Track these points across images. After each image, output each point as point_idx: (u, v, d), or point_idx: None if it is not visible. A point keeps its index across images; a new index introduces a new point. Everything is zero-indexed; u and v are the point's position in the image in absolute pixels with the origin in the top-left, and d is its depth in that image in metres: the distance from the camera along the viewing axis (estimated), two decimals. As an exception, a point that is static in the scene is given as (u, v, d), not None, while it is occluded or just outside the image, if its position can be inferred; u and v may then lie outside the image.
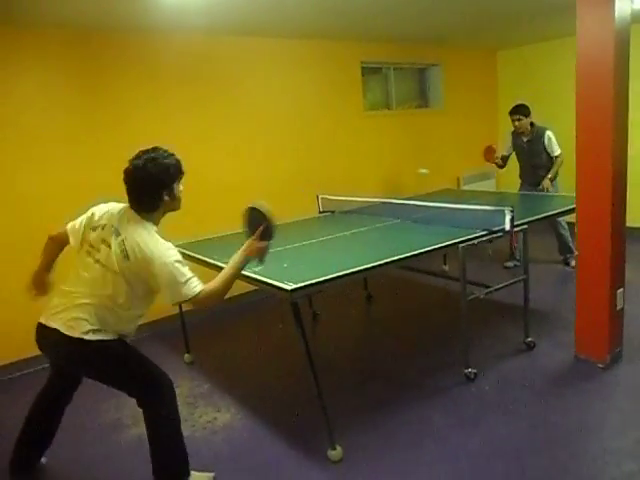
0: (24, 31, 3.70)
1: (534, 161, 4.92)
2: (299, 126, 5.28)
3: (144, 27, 4.06)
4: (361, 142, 5.80)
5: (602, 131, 2.92)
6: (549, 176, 4.81)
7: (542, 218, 3.62)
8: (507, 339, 3.65)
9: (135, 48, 4.21)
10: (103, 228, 2.24)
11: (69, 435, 2.98)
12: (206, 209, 4.67)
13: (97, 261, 2.19)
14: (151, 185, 2.18)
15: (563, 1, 4.22)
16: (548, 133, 4.82)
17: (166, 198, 2.23)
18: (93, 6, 3.39)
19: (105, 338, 2.17)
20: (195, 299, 2.14)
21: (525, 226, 3.28)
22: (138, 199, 2.22)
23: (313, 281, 2.43)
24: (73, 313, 2.15)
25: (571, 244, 4.98)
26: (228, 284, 2.21)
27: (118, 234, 2.17)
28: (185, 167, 4.74)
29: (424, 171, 4.05)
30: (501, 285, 3.32)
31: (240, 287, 4.35)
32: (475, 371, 3.16)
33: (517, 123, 4.88)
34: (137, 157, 2.21)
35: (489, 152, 5.16)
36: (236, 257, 2.26)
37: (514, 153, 5.15)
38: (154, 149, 2.23)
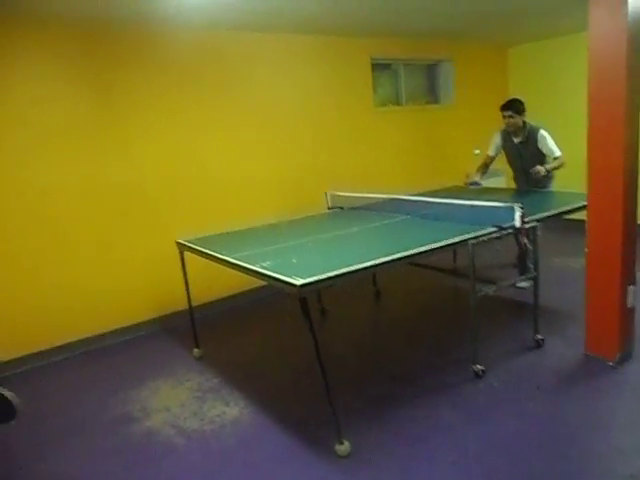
0: (30, 24, 3.72)
1: (528, 165, 4.29)
2: (309, 122, 5.28)
3: (152, 21, 4.07)
4: (371, 138, 5.80)
5: (614, 127, 2.89)
6: (546, 166, 4.16)
7: (553, 215, 3.59)
8: (516, 336, 3.64)
9: (144, 43, 4.23)
10: None
11: (79, 428, 3.02)
12: (214, 205, 4.70)
13: None
14: None
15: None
16: (542, 132, 4.27)
17: None
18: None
19: None
20: None
21: (535, 223, 3.26)
22: None
23: (322, 277, 2.42)
24: None
25: (531, 264, 3.63)
26: None
27: None
28: (193, 163, 4.78)
29: (477, 152, 3.94)
30: (510, 282, 3.30)
31: (249, 283, 4.43)
32: (483, 368, 3.15)
33: (507, 120, 4.34)
34: None
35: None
36: None
37: (505, 156, 4.66)
38: None
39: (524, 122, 4.37)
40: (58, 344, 4.02)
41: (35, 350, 3.93)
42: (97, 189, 4.12)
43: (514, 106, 4.32)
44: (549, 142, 4.26)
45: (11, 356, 3.84)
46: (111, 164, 4.17)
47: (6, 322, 3.79)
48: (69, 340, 4.08)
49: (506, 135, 4.54)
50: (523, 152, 4.44)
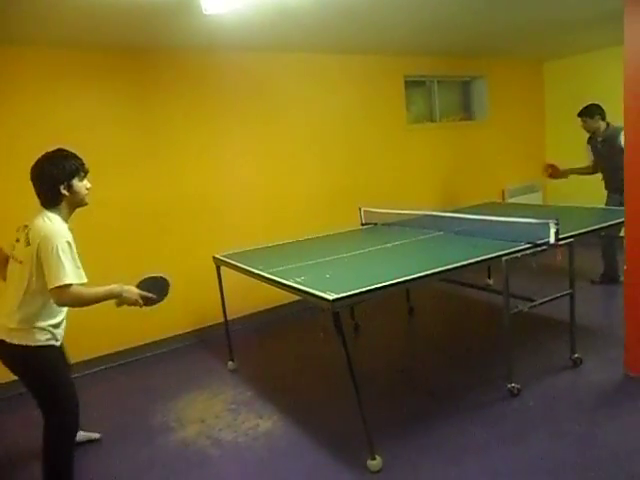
0: (77, 54, 3.93)
1: (613, 162, 4.39)
2: (342, 139, 5.35)
3: (191, 48, 4.24)
4: (405, 155, 5.82)
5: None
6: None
7: (589, 231, 3.54)
8: (552, 355, 3.57)
9: (182, 70, 4.39)
10: (20, 229, 2.40)
11: (117, 436, 3.11)
12: (250, 221, 4.80)
13: (15, 259, 2.36)
14: (47, 180, 2.34)
15: (612, 9, 4.15)
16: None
17: (65, 192, 2.37)
18: (150, 27, 3.58)
19: (30, 344, 2.29)
20: (61, 290, 2.19)
21: (571, 239, 3.22)
22: (39, 194, 2.38)
23: (355, 291, 2.46)
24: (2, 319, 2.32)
25: (619, 272, 4.61)
26: (95, 300, 2.33)
27: (26, 228, 2.34)
28: (229, 181, 4.84)
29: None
30: (545, 299, 3.26)
31: (283, 297, 4.48)
32: (519, 386, 3.10)
33: (583, 125, 4.77)
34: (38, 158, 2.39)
35: (552, 170, 5.13)
36: (116, 288, 2.41)
37: (595, 160, 4.92)
38: (55, 150, 2.41)
39: (608, 124, 4.66)
40: (98, 355, 4.14)
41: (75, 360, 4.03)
42: (140, 206, 4.26)
43: (584, 111, 4.72)
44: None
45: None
46: (153, 183, 4.31)
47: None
48: (108, 352, 4.19)
49: (591, 139, 4.84)
50: (603, 151, 4.68)
